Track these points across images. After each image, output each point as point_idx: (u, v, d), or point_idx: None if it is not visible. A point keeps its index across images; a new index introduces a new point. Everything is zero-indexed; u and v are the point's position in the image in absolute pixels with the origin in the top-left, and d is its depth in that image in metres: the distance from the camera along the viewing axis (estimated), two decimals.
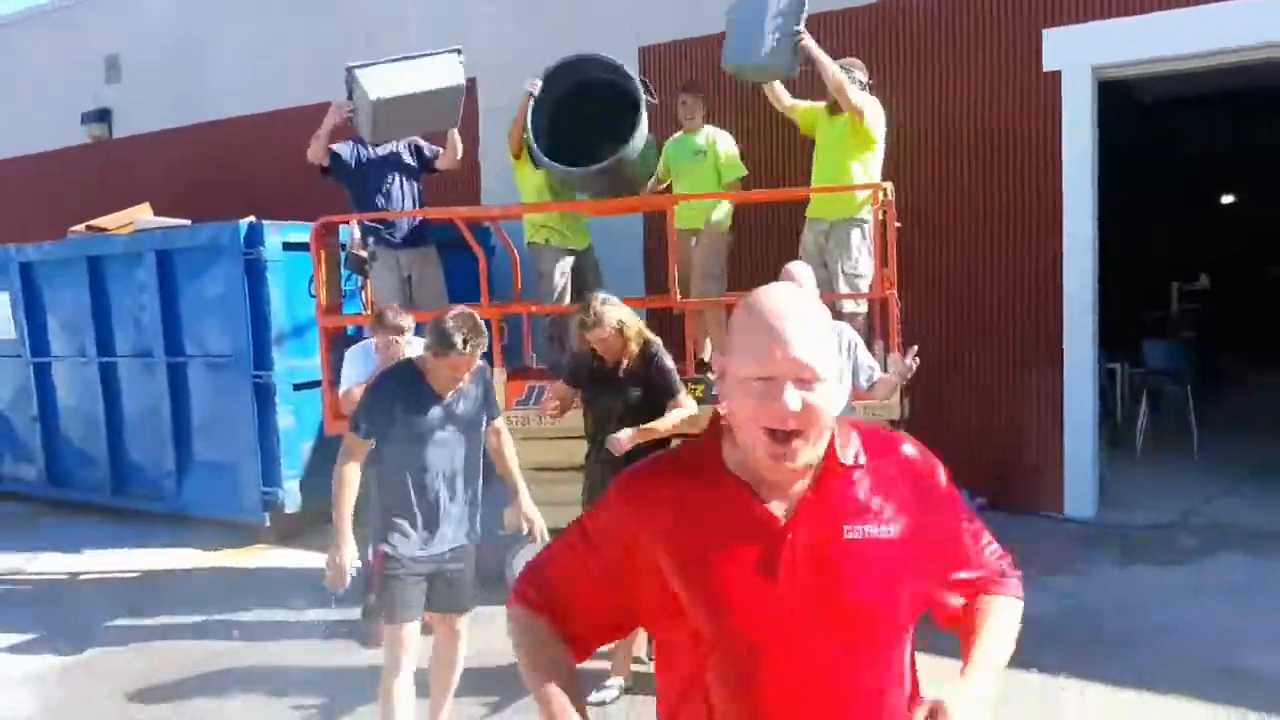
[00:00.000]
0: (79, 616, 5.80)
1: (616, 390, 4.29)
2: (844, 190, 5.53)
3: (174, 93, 11.68)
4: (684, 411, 4.27)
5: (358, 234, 6.23)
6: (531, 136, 5.90)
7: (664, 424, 4.20)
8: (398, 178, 6.29)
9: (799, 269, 4.35)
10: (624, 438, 4.08)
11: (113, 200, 10.08)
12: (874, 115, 5.47)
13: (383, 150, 6.27)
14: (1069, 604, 5.34)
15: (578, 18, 8.69)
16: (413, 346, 4.46)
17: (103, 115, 12.41)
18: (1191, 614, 5.14)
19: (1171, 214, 14.04)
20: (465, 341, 3.39)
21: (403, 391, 3.58)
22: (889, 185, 5.39)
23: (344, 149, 6.28)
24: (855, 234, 5.52)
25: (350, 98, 5.90)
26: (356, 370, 4.92)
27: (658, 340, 4.37)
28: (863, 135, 5.44)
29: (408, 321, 4.59)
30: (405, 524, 3.62)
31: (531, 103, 5.90)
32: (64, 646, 5.35)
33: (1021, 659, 4.50)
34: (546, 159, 5.82)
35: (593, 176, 5.81)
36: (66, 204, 11.69)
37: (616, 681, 4.45)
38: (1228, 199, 16.04)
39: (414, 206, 6.33)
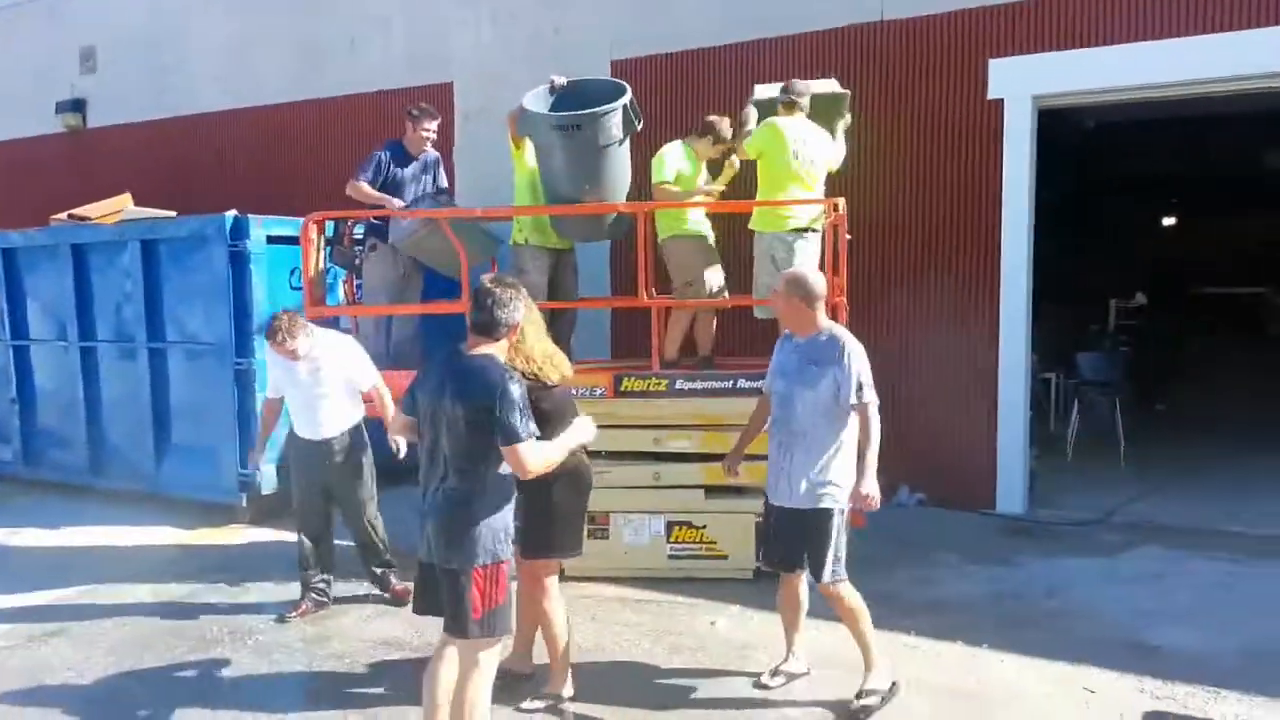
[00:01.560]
0: (59, 587, 6.06)
1: None
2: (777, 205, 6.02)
3: (150, 85, 11.86)
4: None
5: (345, 229, 6.58)
6: (529, 103, 6.17)
7: None
8: (424, 187, 6.78)
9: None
10: None
11: (86, 189, 10.28)
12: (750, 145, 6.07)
13: (419, 164, 6.77)
14: (995, 588, 5.85)
15: (553, 27, 9.07)
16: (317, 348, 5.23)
17: (78, 105, 12.54)
18: (1107, 597, 5.65)
19: (1111, 234, 14.76)
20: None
21: None
22: (841, 200, 5.85)
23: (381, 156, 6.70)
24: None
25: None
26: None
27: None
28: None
29: (299, 345, 5.20)
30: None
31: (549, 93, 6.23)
32: (46, 615, 5.62)
33: (947, 631, 5.01)
34: (530, 107, 6.09)
35: (562, 134, 5.98)
36: (39, 192, 11.83)
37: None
38: (1168, 220, 16.88)
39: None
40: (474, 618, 3.40)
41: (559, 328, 6.53)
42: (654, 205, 6.27)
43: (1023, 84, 7.37)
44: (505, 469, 3.42)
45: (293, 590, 5.91)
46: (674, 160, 6.26)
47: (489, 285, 3.54)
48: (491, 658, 3.53)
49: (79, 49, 12.51)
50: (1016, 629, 5.16)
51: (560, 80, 6.23)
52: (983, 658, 4.82)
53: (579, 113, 5.97)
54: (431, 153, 6.90)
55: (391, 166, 6.66)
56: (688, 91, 8.41)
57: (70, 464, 8.44)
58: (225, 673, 4.80)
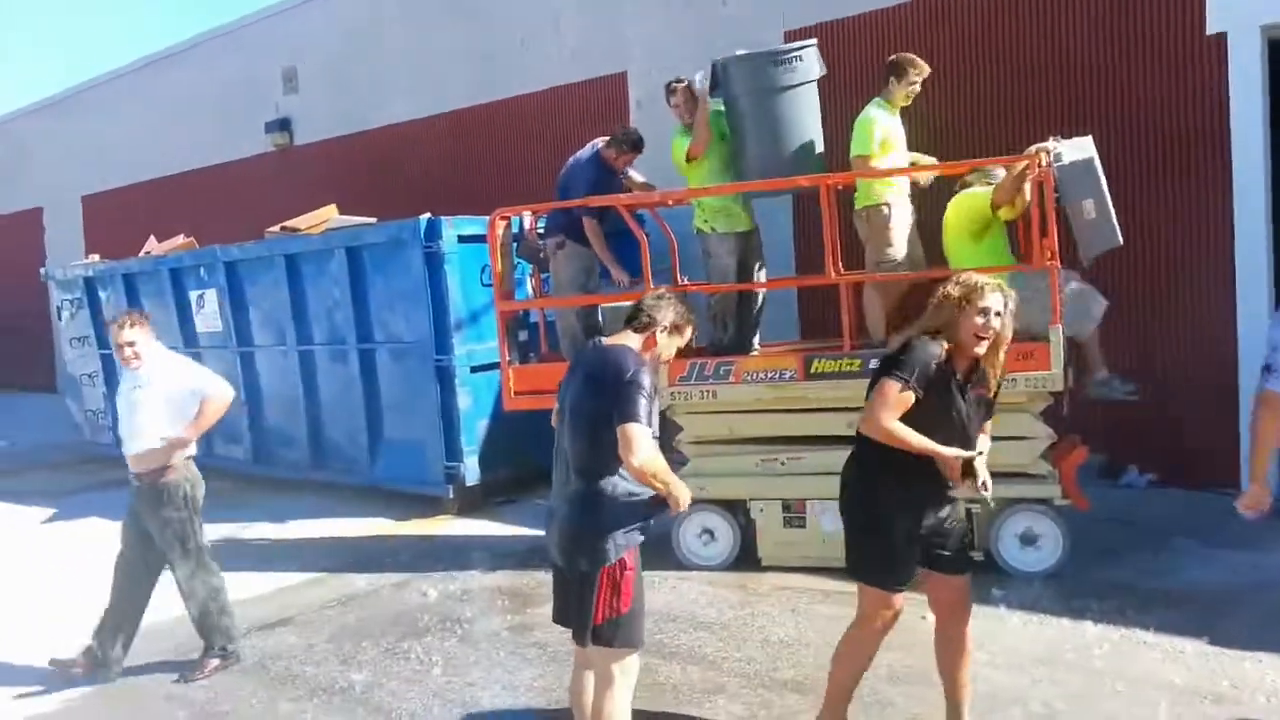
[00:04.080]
0: (292, 577, 6.47)
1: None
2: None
3: (346, 100, 12.58)
4: None
5: (528, 223, 6.67)
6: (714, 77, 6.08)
7: None
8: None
9: None
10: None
11: (296, 202, 10.98)
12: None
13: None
14: (1247, 578, 5.25)
15: (723, 5, 8.88)
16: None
17: (284, 124, 13.46)
18: None
19: None
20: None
21: None
22: (1047, 150, 5.34)
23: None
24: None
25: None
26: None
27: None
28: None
29: (132, 334, 4.75)
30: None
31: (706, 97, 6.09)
32: (281, 602, 6.02)
33: (1190, 627, 4.51)
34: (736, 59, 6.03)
35: (783, 71, 5.94)
36: (254, 207, 12.76)
37: None
38: None
39: None
40: (596, 623, 3.25)
41: (747, 309, 6.39)
42: (840, 178, 6.00)
43: (1248, 11, 6.56)
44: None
45: (496, 579, 6.09)
46: (877, 128, 5.88)
47: (661, 290, 3.60)
48: (626, 670, 3.33)
49: (281, 70, 13.42)
50: (1275, 624, 4.59)
51: (702, 83, 6.08)
52: (1233, 657, 4.31)
53: (793, 46, 5.98)
54: None
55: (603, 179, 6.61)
56: (865, 56, 8.01)
57: (294, 460, 9.05)
58: (435, 658, 4.96)
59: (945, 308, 3.36)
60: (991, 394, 3.49)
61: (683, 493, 3.29)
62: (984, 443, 3.49)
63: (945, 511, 3.49)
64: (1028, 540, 5.41)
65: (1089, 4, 7.19)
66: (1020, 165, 5.39)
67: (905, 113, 6.12)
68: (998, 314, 3.31)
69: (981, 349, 3.33)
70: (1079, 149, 5.41)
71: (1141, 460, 7.13)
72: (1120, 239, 5.42)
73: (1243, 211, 6.71)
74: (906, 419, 3.29)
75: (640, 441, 3.11)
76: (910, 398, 3.26)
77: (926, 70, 5.93)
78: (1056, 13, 7.35)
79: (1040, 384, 5.23)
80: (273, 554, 7.16)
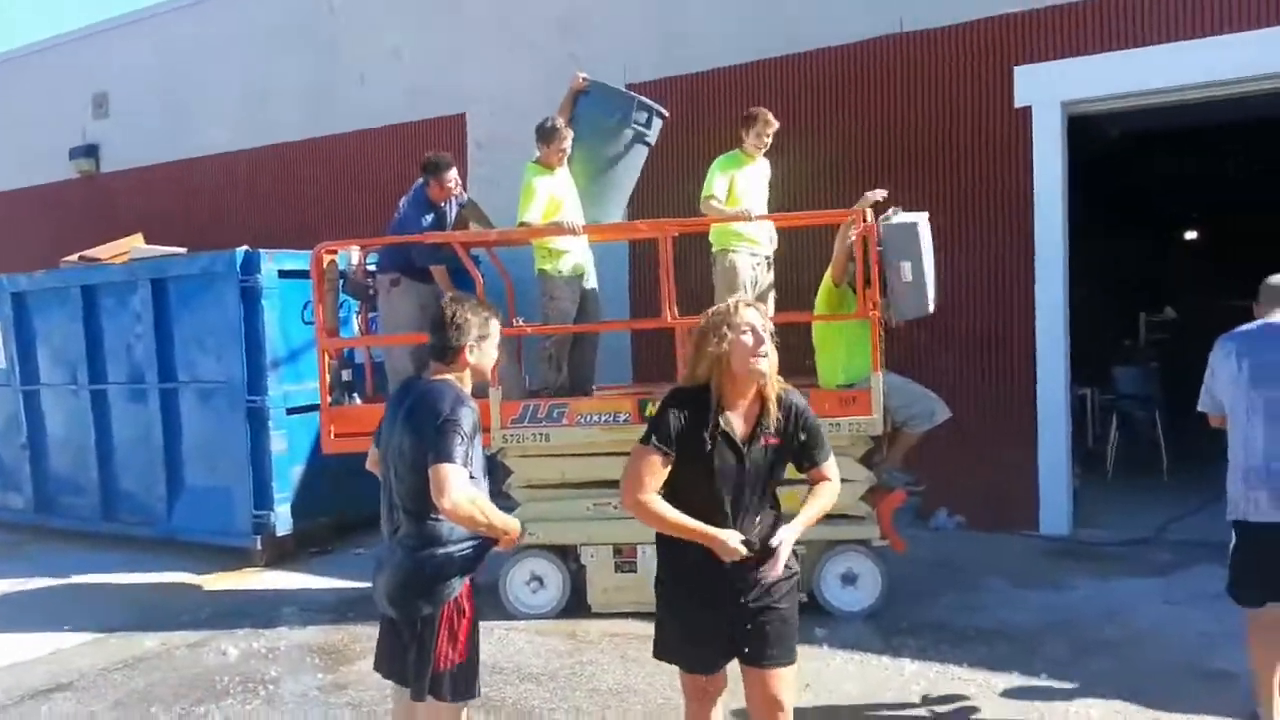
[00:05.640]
0: (74, 637, 5.83)
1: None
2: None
3: (163, 128, 11.86)
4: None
5: (355, 259, 6.40)
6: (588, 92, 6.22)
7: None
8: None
9: None
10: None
11: (102, 233, 10.21)
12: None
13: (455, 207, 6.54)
14: (1049, 615, 5.52)
15: (568, 52, 8.95)
16: None
17: (91, 150, 12.56)
18: (1167, 620, 5.32)
19: (1139, 246, 14.43)
20: None
21: None
22: (868, 207, 5.59)
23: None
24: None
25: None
26: None
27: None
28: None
29: None
30: None
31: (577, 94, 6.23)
32: (59, 665, 5.40)
33: (1002, 662, 4.70)
34: (598, 84, 6.23)
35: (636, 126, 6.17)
36: (56, 237, 11.80)
37: None
38: (1190, 234, 16.53)
39: None
40: (436, 671, 3.05)
41: (583, 353, 6.32)
42: (679, 225, 6.09)
43: (1051, 90, 7.15)
44: None
45: (307, 636, 5.69)
46: (721, 175, 6.02)
47: (444, 306, 3.22)
48: None
49: (92, 95, 12.55)
50: (1077, 657, 4.84)
51: (583, 78, 6.26)
52: (1043, 690, 4.50)
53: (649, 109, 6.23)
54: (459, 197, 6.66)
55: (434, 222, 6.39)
56: (706, 112, 8.22)
57: (82, 510, 8.25)
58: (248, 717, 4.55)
59: (704, 346, 2.91)
60: (785, 441, 2.95)
61: (510, 524, 3.11)
62: (789, 530, 2.87)
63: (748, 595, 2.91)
64: (848, 580, 5.53)
65: (915, 77, 7.63)
66: (846, 226, 5.59)
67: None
68: (762, 329, 2.90)
69: (763, 365, 2.87)
70: (910, 217, 5.68)
71: (951, 503, 7.48)
72: (931, 308, 5.67)
73: (1043, 273, 7.22)
74: (670, 487, 2.88)
75: (450, 482, 2.90)
76: (658, 462, 2.86)
77: (774, 124, 6.08)
78: (883, 83, 7.77)
79: (862, 429, 5.39)
80: (51, 612, 6.42)
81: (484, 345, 3.19)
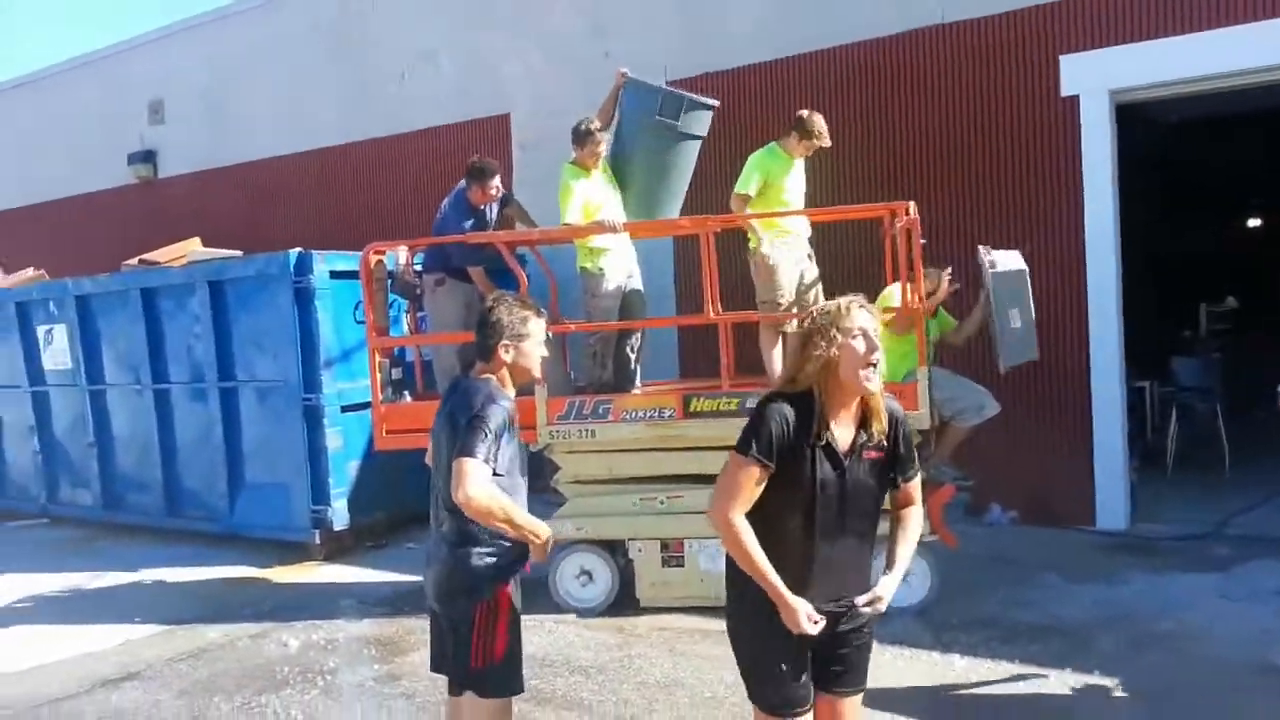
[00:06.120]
0: (142, 629, 6.03)
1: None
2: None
3: (214, 133, 12.16)
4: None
5: (403, 259, 6.51)
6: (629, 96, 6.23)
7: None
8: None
9: None
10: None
11: (160, 237, 10.48)
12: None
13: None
14: (1102, 610, 5.45)
15: (604, 51, 9.00)
16: None
17: (148, 156, 12.91)
18: (1224, 616, 5.22)
19: (1200, 235, 14.08)
20: None
21: None
22: (911, 203, 5.57)
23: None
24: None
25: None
26: None
27: None
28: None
29: None
30: None
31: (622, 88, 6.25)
32: (128, 656, 5.59)
33: (1053, 658, 4.65)
34: (636, 81, 6.22)
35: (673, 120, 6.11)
36: (117, 242, 12.12)
37: None
38: (1254, 222, 16.08)
39: None
40: (472, 668, 3.10)
41: (628, 350, 6.36)
42: (719, 221, 6.08)
43: (1098, 78, 7.03)
44: None
45: (363, 628, 5.82)
46: (758, 171, 5.97)
47: (485, 306, 3.26)
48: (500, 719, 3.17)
49: (148, 102, 12.90)
50: (1130, 653, 4.78)
51: (624, 72, 6.28)
52: (1096, 687, 4.44)
53: (703, 106, 6.21)
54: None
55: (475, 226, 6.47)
56: (744, 108, 8.21)
57: (148, 506, 8.50)
58: (294, 713, 4.67)
59: (810, 350, 2.63)
60: (887, 454, 2.71)
61: (536, 526, 3.10)
62: (890, 581, 2.69)
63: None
64: None
65: (957, 68, 7.55)
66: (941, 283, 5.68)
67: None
68: (875, 334, 2.65)
69: (873, 383, 2.61)
70: (1012, 259, 5.64)
71: (1003, 498, 7.39)
72: (1038, 353, 5.66)
73: (1094, 263, 7.11)
74: (759, 507, 2.62)
75: (469, 476, 2.92)
76: (757, 474, 2.59)
77: (828, 143, 5.99)
78: (923, 75, 7.70)
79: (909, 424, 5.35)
80: (121, 605, 6.64)
81: (522, 344, 3.18)
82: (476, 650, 3.07)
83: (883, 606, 2.69)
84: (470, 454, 2.94)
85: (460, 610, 3.11)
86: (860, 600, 2.68)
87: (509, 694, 3.17)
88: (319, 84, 11.18)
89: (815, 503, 2.61)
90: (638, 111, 6.22)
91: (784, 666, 2.67)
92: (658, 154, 6.28)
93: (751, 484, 2.59)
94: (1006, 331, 5.58)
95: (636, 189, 6.28)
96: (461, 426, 3.01)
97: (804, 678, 2.71)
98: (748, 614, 2.72)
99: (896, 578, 2.72)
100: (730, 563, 2.75)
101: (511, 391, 3.22)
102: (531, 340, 3.20)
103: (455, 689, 3.22)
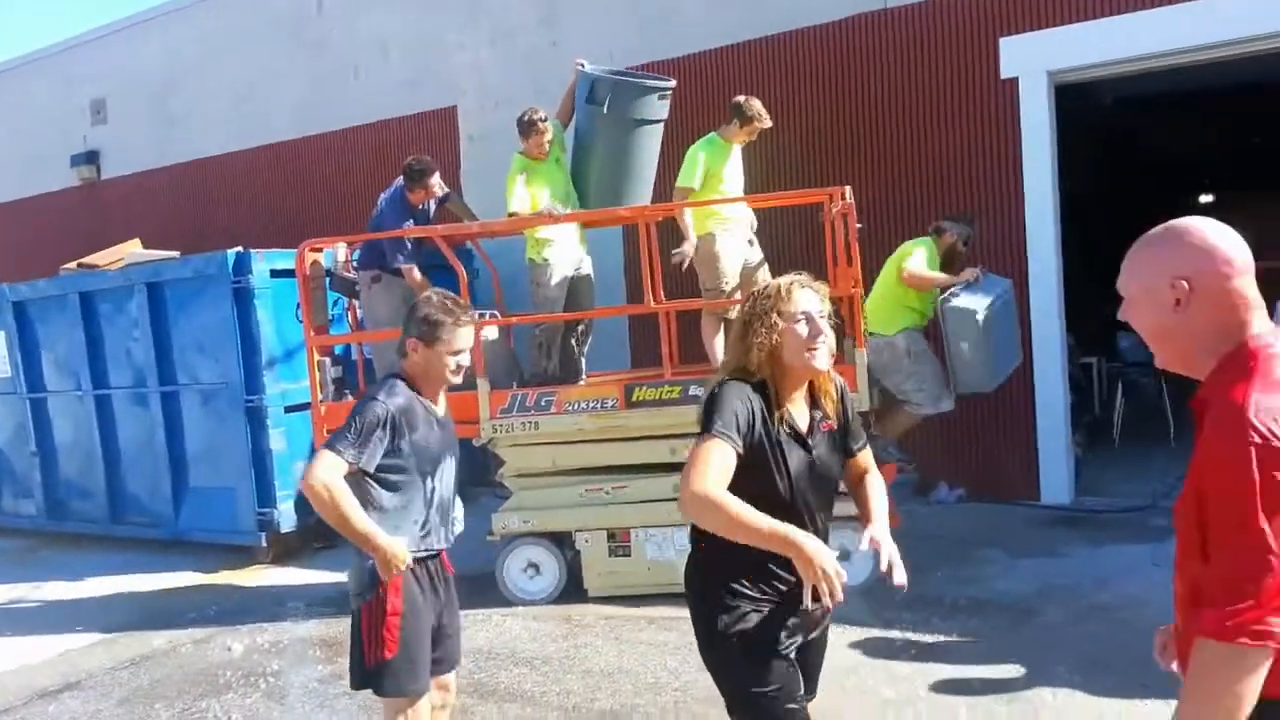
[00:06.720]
0: (83, 638, 5.93)
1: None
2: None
3: (160, 132, 11.95)
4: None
5: (341, 256, 6.44)
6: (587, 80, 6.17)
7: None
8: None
9: None
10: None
11: (105, 239, 10.31)
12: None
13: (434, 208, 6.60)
14: (1043, 583, 5.52)
15: (550, 41, 8.94)
16: None
17: (91, 157, 12.67)
18: (1157, 584, 5.30)
19: (1143, 213, 14.28)
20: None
21: None
22: (847, 188, 5.60)
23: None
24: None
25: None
26: None
27: None
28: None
29: None
30: None
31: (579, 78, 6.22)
32: (68, 665, 5.49)
33: (995, 633, 4.69)
34: (596, 71, 6.18)
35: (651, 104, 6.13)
36: (59, 245, 11.91)
37: None
38: (1205, 198, 16.34)
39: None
40: (365, 668, 3.02)
41: (574, 340, 6.35)
42: (659, 210, 6.07)
43: (1037, 60, 7.09)
44: (390, 502, 3.02)
45: (310, 629, 5.77)
46: (700, 163, 5.96)
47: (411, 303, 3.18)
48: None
49: (90, 102, 12.65)
50: (1070, 624, 4.84)
51: (583, 62, 6.25)
52: (1035, 657, 4.49)
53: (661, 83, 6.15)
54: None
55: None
56: (695, 95, 8.19)
57: (92, 514, 8.36)
58: (235, 716, 4.61)
59: (749, 336, 2.46)
60: (839, 424, 2.58)
61: (377, 542, 2.90)
62: (879, 530, 2.49)
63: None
64: (841, 556, 5.50)
65: (900, 52, 7.58)
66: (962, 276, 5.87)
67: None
68: (820, 315, 2.46)
69: (820, 361, 2.44)
70: (988, 289, 5.76)
71: (951, 476, 7.46)
72: (992, 387, 5.85)
73: (1035, 241, 7.18)
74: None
75: (316, 464, 2.85)
76: (730, 452, 2.32)
77: (768, 123, 6.02)
78: (868, 59, 7.72)
79: None
80: (63, 615, 6.53)
81: (433, 346, 3.02)
82: (368, 651, 3.00)
83: (884, 553, 2.43)
84: (329, 445, 2.91)
85: (353, 610, 3.07)
86: (862, 543, 2.46)
87: (406, 695, 3.06)
88: (271, 79, 11.01)
89: (793, 493, 2.43)
90: (597, 101, 6.16)
91: (781, 685, 2.45)
92: (614, 141, 6.24)
93: (721, 459, 2.30)
94: (957, 359, 5.67)
95: (596, 178, 6.26)
96: None
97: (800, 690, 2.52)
98: (727, 641, 2.45)
99: (883, 525, 2.52)
100: (696, 592, 2.53)
101: (440, 392, 3.15)
102: (441, 344, 3.02)
103: (352, 684, 3.14)
